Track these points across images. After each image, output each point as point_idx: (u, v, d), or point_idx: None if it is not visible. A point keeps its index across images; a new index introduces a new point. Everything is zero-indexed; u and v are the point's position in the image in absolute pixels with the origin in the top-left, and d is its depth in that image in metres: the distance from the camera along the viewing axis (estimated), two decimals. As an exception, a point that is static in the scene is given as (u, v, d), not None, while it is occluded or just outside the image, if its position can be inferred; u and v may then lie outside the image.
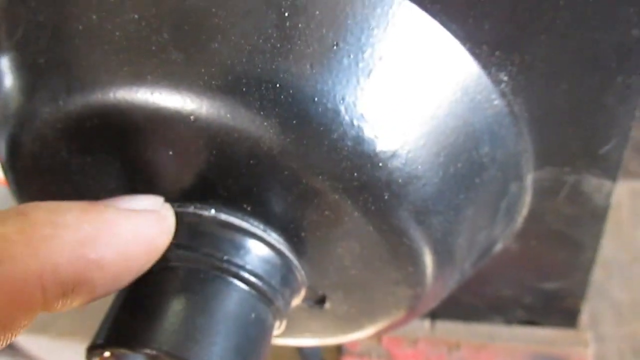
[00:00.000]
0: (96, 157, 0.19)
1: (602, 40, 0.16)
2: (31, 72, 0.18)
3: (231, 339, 0.19)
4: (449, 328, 0.32)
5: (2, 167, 0.22)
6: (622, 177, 0.62)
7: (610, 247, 0.54)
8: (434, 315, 0.33)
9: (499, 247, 0.26)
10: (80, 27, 0.17)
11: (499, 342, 0.31)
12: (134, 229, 0.16)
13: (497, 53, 0.17)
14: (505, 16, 0.16)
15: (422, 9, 0.16)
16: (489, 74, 0.18)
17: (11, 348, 0.74)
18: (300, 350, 0.35)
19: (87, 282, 0.15)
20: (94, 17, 0.17)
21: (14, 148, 0.20)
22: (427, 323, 0.33)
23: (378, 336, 0.33)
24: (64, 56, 0.17)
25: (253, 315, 0.20)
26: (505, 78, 0.18)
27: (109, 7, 0.17)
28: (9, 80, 0.20)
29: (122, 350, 0.18)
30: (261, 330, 0.20)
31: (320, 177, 0.17)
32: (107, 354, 0.19)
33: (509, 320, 0.31)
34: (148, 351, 0.18)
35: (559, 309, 0.29)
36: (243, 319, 0.19)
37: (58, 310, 0.15)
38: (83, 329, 0.67)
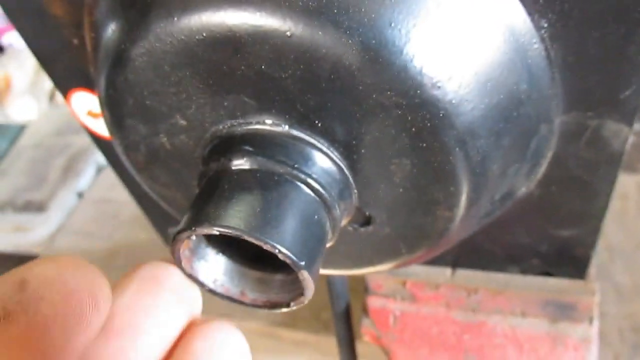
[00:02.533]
0: (194, 70, 0.22)
1: (631, -8, 0.20)
2: (149, -6, 0.22)
3: (299, 231, 0.22)
4: (468, 275, 0.36)
5: (101, 88, 0.25)
6: (629, 172, 0.65)
7: (616, 234, 0.58)
8: (455, 263, 0.36)
9: (522, 191, 0.29)
10: (198, -45, 0.20)
11: (514, 289, 0.34)
12: None
13: (540, 1, 0.21)
14: (551, -33, 0.20)
15: (484, -44, 0.20)
16: (533, 19, 0.21)
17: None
18: (330, 292, 0.38)
19: None
20: (211, -53, 0.20)
21: (120, 63, 0.23)
22: (448, 271, 0.36)
23: (403, 281, 0.37)
24: (181, -21, 0.21)
25: (316, 217, 0.23)
26: (546, 24, 0.22)
27: (225, -61, 0.20)
28: (119, 3, 0.23)
29: (207, 231, 0.21)
30: (321, 232, 0.23)
31: (389, 92, 0.20)
32: (193, 237, 0.22)
33: (524, 270, 0.35)
34: (230, 231, 0.21)
35: (571, 258, 0.32)
36: (308, 218, 0.23)
37: None
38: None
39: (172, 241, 0.22)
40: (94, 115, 0.34)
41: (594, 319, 0.33)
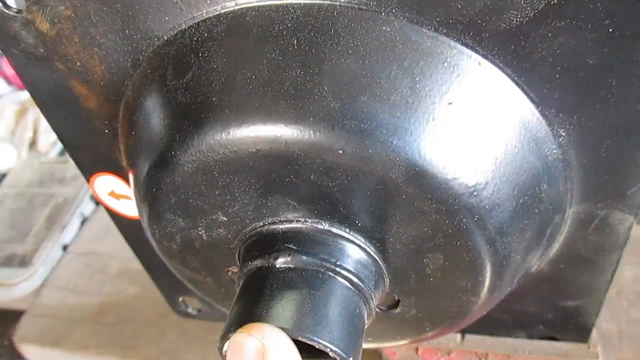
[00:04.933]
0: (242, 177, 0.24)
1: (640, 111, 0.22)
2: (202, 107, 0.23)
3: (345, 327, 0.23)
4: (477, 340, 0.37)
5: (140, 184, 0.26)
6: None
7: (598, 282, 0.60)
8: (464, 329, 0.38)
9: (534, 268, 0.31)
10: (253, 76, 0.22)
11: (522, 353, 0.36)
12: None
13: (560, 115, 0.23)
14: (571, 89, 0.22)
15: (514, 83, 0.22)
16: (552, 129, 0.24)
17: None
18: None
19: None
20: (266, 70, 0.22)
21: (167, 166, 0.25)
22: (458, 337, 0.38)
23: (415, 347, 0.38)
24: (237, 97, 0.22)
25: (357, 310, 0.25)
26: (564, 133, 0.24)
27: (278, 63, 0.22)
28: (168, 111, 0.25)
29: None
30: (362, 323, 0.25)
31: (430, 201, 0.22)
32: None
33: (531, 335, 0.37)
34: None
35: (574, 325, 0.34)
36: (352, 312, 0.24)
37: None
38: (96, 343, 0.69)
39: (221, 339, 0.23)
40: (116, 196, 0.35)
41: (598, 381, 0.35)
